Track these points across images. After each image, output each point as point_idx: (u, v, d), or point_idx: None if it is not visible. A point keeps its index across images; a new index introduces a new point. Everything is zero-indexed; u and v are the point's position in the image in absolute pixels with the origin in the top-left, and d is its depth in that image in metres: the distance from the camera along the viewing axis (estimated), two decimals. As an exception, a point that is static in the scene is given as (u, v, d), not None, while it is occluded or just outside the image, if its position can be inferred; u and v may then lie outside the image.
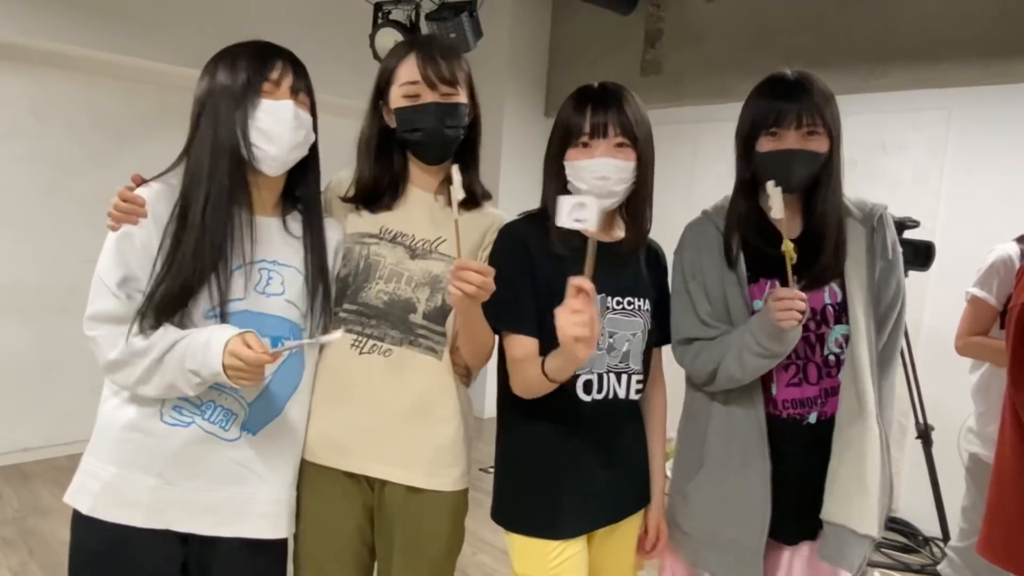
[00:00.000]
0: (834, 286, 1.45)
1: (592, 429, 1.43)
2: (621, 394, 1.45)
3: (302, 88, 1.30)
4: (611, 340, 1.43)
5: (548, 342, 1.28)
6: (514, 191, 4.46)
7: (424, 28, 3.18)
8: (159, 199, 1.24)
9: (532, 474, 1.45)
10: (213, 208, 1.22)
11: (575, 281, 1.15)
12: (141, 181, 1.27)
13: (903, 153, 3.52)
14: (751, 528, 1.44)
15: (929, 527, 3.23)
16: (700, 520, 1.51)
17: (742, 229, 1.48)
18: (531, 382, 1.36)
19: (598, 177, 1.37)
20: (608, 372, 1.43)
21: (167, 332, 1.20)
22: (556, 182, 1.43)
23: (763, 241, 1.45)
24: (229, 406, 1.28)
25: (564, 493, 1.43)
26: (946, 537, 3.01)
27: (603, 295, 1.41)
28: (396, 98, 1.43)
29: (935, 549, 3.24)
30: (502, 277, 1.26)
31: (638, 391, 1.48)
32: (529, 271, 1.39)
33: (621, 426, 1.49)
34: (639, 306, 1.47)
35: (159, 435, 1.24)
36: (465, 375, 1.50)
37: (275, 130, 1.25)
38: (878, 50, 3.40)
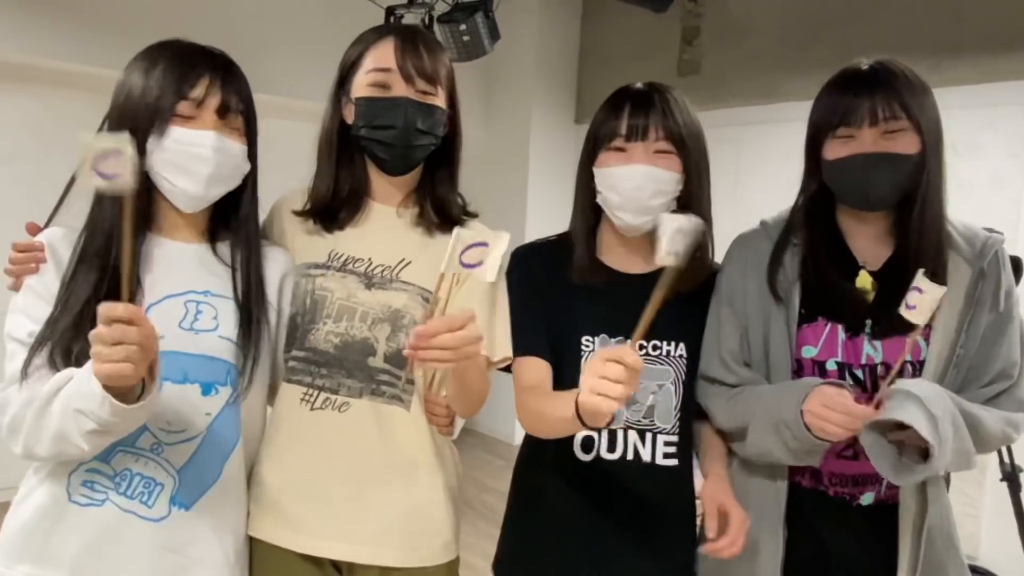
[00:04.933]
0: (919, 338, 1.16)
1: (596, 495, 1.25)
2: (645, 456, 1.25)
3: (235, 108, 1.09)
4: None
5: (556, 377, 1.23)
6: (542, 204, 4.21)
7: (436, 32, 3.02)
8: (61, 242, 1.08)
9: (520, 528, 1.34)
10: (106, 245, 1.04)
11: (621, 356, 0.91)
12: (37, 229, 1.13)
13: (977, 154, 3.27)
14: None
15: (1016, 577, 2.89)
16: None
17: (808, 252, 1.22)
18: (546, 419, 1.17)
19: (631, 187, 1.19)
20: (628, 428, 1.25)
21: (59, 376, 0.99)
22: (584, 196, 1.27)
23: (832, 267, 1.19)
24: (151, 474, 1.05)
25: (547, 557, 1.27)
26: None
27: (619, 338, 1.25)
28: (360, 86, 1.22)
29: (1025, 602, 2.89)
30: (512, 305, 1.23)
31: (668, 454, 1.26)
32: (540, 298, 1.27)
33: (641, 495, 1.26)
34: (668, 351, 1.27)
35: (69, 520, 1.04)
36: (447, 424, 1.26)
37: (189, 165, 1.06)
38: (944, 40, 3.16)
